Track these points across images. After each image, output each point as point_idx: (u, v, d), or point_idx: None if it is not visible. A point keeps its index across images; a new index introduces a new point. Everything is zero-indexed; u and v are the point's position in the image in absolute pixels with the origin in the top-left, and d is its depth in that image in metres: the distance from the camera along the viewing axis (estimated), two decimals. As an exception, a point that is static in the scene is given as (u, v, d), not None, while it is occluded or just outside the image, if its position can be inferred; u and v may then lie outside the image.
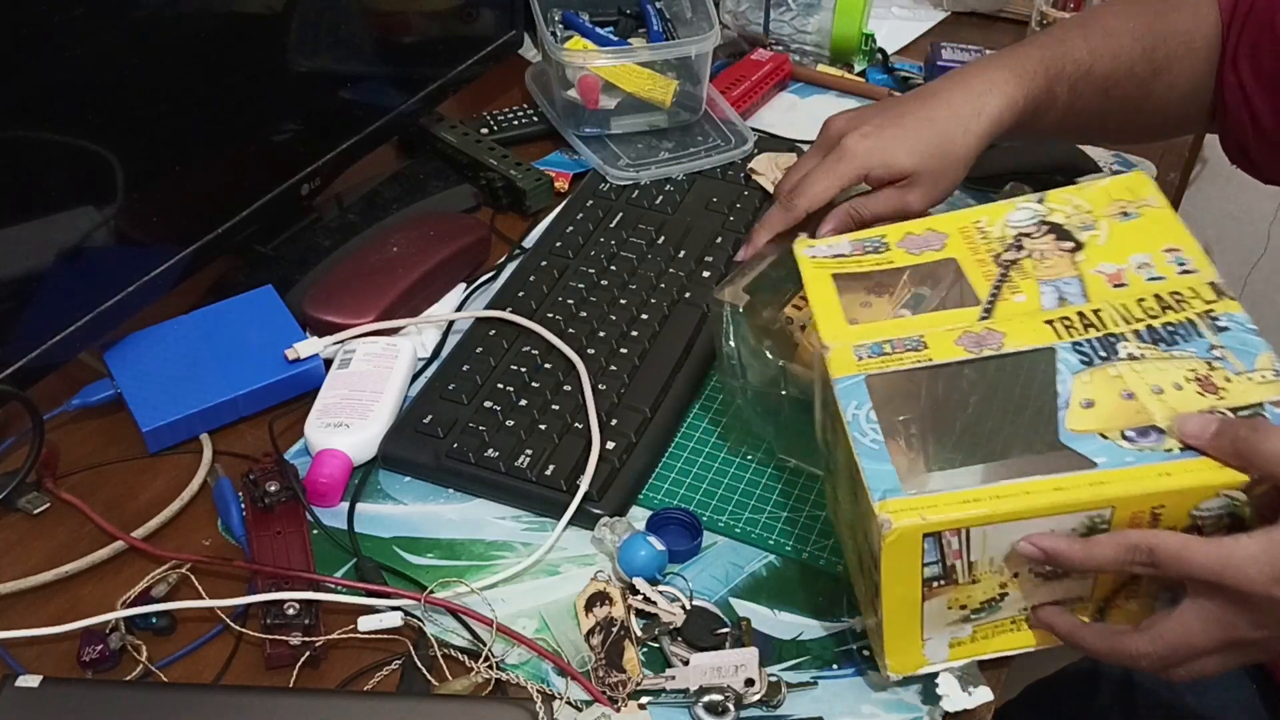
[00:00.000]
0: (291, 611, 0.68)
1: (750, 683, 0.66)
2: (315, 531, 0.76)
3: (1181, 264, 0.68)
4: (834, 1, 1.24)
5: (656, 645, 0.69)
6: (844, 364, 0.67)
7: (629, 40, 1.19)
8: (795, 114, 1.21)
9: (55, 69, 0.71)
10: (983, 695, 0.65)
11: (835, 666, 0.69)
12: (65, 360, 0.79)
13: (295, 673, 0.67)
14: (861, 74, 1.27)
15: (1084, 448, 0.60)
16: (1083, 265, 0.70)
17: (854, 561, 0.69)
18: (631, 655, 0.67)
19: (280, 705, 0.60)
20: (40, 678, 0.60)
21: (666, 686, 0.66)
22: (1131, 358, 0.64)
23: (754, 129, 1.13)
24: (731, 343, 0.77)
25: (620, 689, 0.65)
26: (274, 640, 0.68)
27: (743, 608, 0.72)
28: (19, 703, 0.59)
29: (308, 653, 0.67)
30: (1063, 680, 0.99)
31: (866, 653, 0.69)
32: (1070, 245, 0.71)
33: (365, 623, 0.69)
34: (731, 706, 0.65)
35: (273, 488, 0.76)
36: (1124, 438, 0.60)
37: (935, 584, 0.61)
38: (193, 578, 0.72)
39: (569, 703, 0.66)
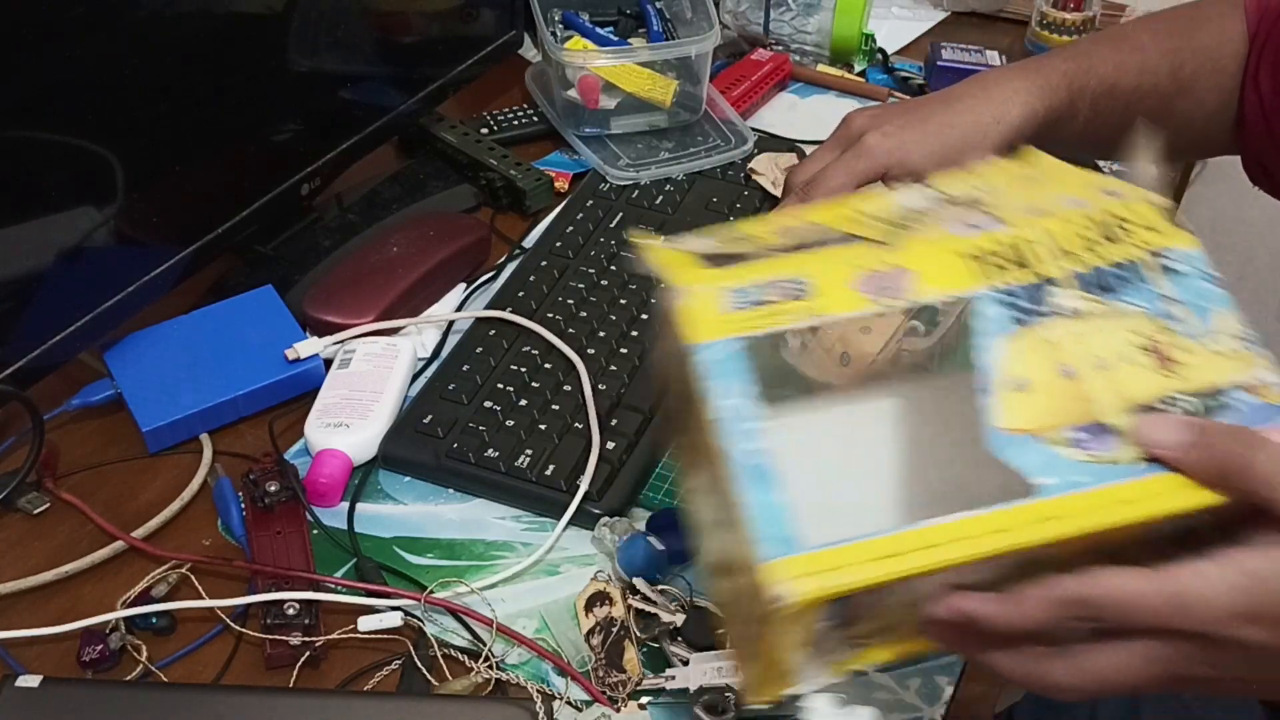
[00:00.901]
0: (291, 611, 0.68)
1: (750, 683, 0.66)
2: (315, 531, 0.76)
3: (1114, 193, 0.55)
4: (834, 1, 1.24)
5: (656, 645, 0.69)
6: (707, 320, 0.49)
7: (629, 40, 1.19)
8: (795, 114, 1.21)
9: (55, 69, 0.71)
10: (864, 716, 0.53)
11: (835, 666, 0.69)
12: (65, 360, 0.79)
13: (295, 673, 0.67)
14: (861, 74, 1.27)
15: (1022, 461, 0.46)
16: (994, 209, 0.54)
17: (713, 562, 0.54)
18: (631, 655, 0.67)
19: (280, 705, 0.60)
20: (40, 678, 0.60)
21: (666, 686, 0.66)
22: (1068, 314, 0.49)
23: (754, 129, 1.13)
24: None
25: (620, 689, 0.65)
26: (274, 640, 0.68)
27: (743, 608, 0.72)
28: (19, 703, 0.59)
29: (308, 653, 0.67)
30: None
31: (866, 653, 0.69)
32: (974, 205, 0.56)
33: (365, 623, 0.69)
34: (732, 706, 0.65)
35: (273, 488, 0.76)
36: (1071, 444, 0.47)
37: (826, 628, 0.47)
38: (193, 578, 0.72)
39: (569, 703, 0.66)
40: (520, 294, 0.91)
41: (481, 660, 0.67)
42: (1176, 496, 0.46)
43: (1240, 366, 0.48)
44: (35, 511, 0.77)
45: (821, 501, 0.46)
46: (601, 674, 0.66)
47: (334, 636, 0.68)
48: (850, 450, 0.55)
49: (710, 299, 0.49)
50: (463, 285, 0.96)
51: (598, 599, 0.70)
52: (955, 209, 0.55)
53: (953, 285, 0.50)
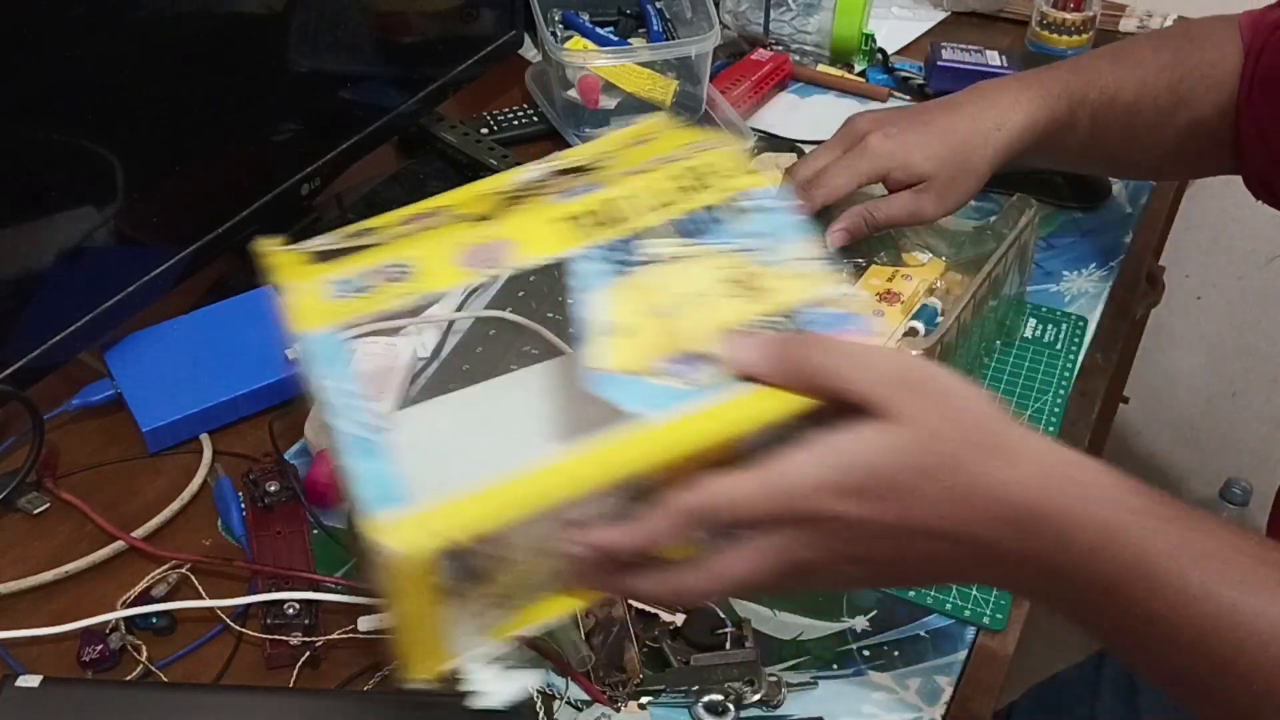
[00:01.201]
0: (291, 611, 0.68)
1: (750, 683, 0.66)
2: (315, 531, 0.76)
3: (706, 145, 0.58)
4: (834, 1, 1.24)
5: (656, 645, 0.69)
6: (310, 312, 0.51)
7: (629, 40, 1.19)
8: (795, 114, 1.21)
9: (55, 69, 0.71)
10: (530, 679, 0.52)
11: (835, 666, 0.69)
12: (65, 360, 0.79)
13: (295, 673, 0.67)
14: (861, 74, 1.27)
15: (619, 395, 0.48)
16: (598, 174, 0.57)
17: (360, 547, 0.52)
18: (631, 655, 0.67)
19: (280, 705, 0.60)
20: (40, 678, 0.60)
21: (666, 686, 0.66)
22: (659, 260, 0.53)
23: (754, 129, 1.13)
24: None
25: (620, 689, 0.65)
26: (274, 640, 0.68)
27: (743, 608, 0.72)
28: (19, 703, 0.59)
29: (308, 653, 0.67)
30: (1066, 682, 0.99)
31: (867, 653, 0.69)
32: (583, 173, 0.58)
33: (365, 623, 0.69)
34: (731, 706, 0.65)
35: (273, 488, 0.76)
36: (665, 374, 0.49)
37: (458, 585, 0.48)
38: (193, 578, 0.72)
39: (569, 703, 0.66)
40: (520, 294, 0.91)
41: (481, 660, 0.67)
42: (766, 407, 0.48)
43: (816, 284, 0.52)
44: (35, 511, 0.77)
45: (437, 468, 0.47)
46: (601, 674, 0.66)
47: (334, 636, 0.68)
48: (477, 423, 0.57)
49: (313, 292, 0.51)
50: (463, 285, 0.96)
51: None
52: (565, 178, 0.57)
53: (551, 249, 0.53)
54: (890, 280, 0.83)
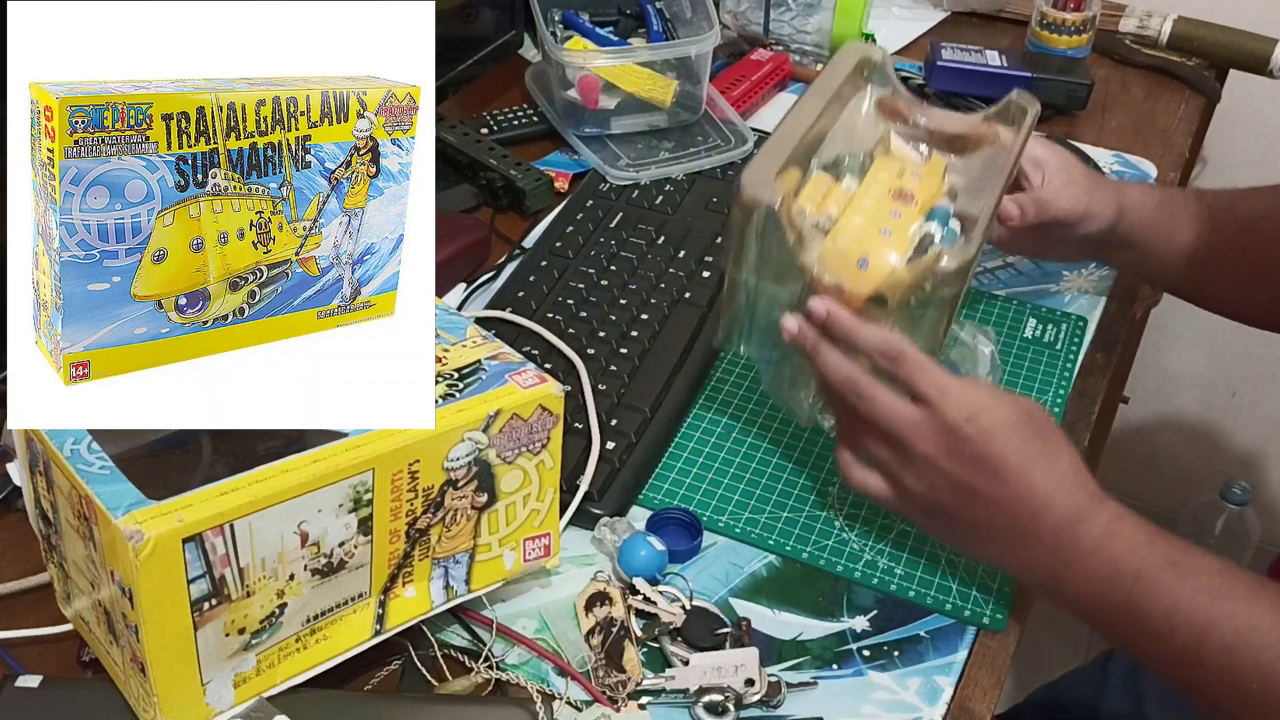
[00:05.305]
0: (291, 611, 0.68)
1: (750, 683, 0.66)
2: (315, 531, 0.76)
3: None
4: (834, 1, 1.24)
5: (656, 645, 0.69)
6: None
7: (629, 40, 1.19)
8: (795, 114, 1.21)
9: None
10: None
11: (835, 666, 0.69)
12: (65, 360, 0.79)
13: (295, 673, 0.67)
14: (861, 74, 1.27)
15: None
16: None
17: (102, 641, 0.61)
18: (631, 655, 0.67)
19: (280, 705, 0.60)
20: (40, 678, 0.60)
21: (666, 686, 0.66)
22: None
23: (754, 129, 1.13)
24: (759, 241, 0.72)
25: (620, 689, 0.65)
26: (274, 640, 0.67)
27: (743, 608, 0.72)
28: (19, 703, 0.59)
29: (308, 653, 0.67)
30: (1071, 684, 0.99)
31: (867, 653, 0.69)
32: None
33: (365, 623, 0.69)
34: (731, 706, 0.65)
35: (273, 488, 0.75)
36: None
37: (207, 605, 0.55)
38: (193, 578, 0.72)
39: (569, 703, 0.66)
40: (520, 294, 0.91)
41: (481, 660, 0.67)
42: (446, 420, 0.62)
43: (489, 350, 0.68)
44: (35, 511, 0.77)
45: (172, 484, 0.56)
46: (601, 674, 0.66)
47: (334, 636, 0.68)
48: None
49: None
50: (463, 285, 0.96)
51: (598, 599, 0.70)
52: None
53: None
54: (900, 177, 0.77)
